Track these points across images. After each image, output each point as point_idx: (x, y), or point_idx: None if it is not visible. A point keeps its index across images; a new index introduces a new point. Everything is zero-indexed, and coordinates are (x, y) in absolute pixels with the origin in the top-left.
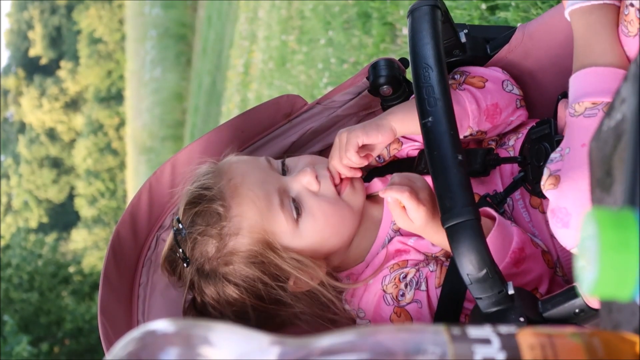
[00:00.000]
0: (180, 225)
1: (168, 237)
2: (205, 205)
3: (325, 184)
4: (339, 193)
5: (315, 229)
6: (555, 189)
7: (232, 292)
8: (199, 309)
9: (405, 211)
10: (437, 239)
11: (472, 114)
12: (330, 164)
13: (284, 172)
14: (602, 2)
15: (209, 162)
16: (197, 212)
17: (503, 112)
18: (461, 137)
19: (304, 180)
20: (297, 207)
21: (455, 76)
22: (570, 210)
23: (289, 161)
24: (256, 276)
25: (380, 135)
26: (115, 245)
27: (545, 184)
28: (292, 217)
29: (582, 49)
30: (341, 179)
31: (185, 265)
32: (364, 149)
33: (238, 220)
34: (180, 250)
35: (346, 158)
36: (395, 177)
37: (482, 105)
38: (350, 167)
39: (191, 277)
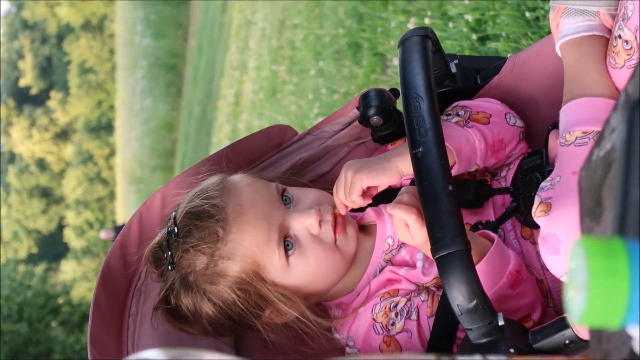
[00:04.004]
0: (176, 229)
1: (159, 233)
2: (207, 221)
3: (326, 229)
4: (335, 235)
5: (305, 270)
6: (546, 216)
7: (208, 309)
8: (171, 309)
9: (408, 228)
10: None
11: (480, 152)
12: (336, 197)
13: (286, 200)
14: (591, 33)
15: (219, 174)
16: (197, 225)
17: (507, 147)
18: (464, 172)
19: (307, 221)
20: (291, 246)
21: (459, 112)
22: (561, 237)
23: (295, 192)
24: (236, 301)
25: (386, 179)
26: (106, 276)
27: (536, 212)
28: (284, 255)
29: (572, 80)
30: (336, 221)
31: (169, 268)
32: (368, 188)
33: (234, 246)
34: (169, 253)
35: (350, 199)
36: (405, 195)
37: (489, 143)
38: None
39: (172, 280)
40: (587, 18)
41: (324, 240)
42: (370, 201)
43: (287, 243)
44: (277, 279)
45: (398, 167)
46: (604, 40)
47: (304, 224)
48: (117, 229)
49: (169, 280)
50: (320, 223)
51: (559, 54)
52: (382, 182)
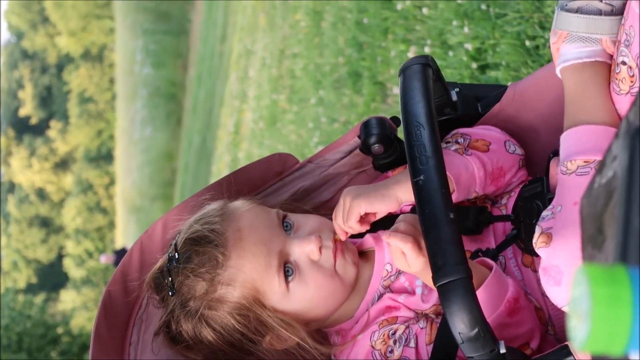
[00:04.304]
0: (177, 255)
1: (161, 259)
2: (207, 247)
3: (326, 255)
4: (335, 261)
5: (305, 296)
6: (547, 247)
7: (208, 334)
8: (171, 334)
9: (405, 256)
10: (431, 282)
11: (479, 180)
12: (335, 223)
13: (286, 227)
14: (593, 59)
15: (221, 200)
16: (197, 251)
17: (507, 174)
18: (464, 199)
19: (307, 247)
20: (291, 272)
21: (459, 140)
22: (562, 269)
23: (296, 218)
24: (236, 327)
25: (384, 206)
26: (107, 304)
27: (537, 242)
28: (284, 281)
29: (573, 106)
30: (336, 247)
31: (170, 293)
32: (366, 214)
33: (234, 271)
34: (170, 279)
35: (347, 225)
36: (401, 223)
37: (488, 170)
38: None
39: (173, 306)
40: (589, 44)
41: (324, 266)
42: (368, 227)
43: (287, 269)
44: (278, 304)
45: (397, 195)
46: (606, 67)
47: (304, 250)
48: (117, 253)
49: (170, 306)
50: (320, 249)
51: (559, 76)
52: (380, 209)
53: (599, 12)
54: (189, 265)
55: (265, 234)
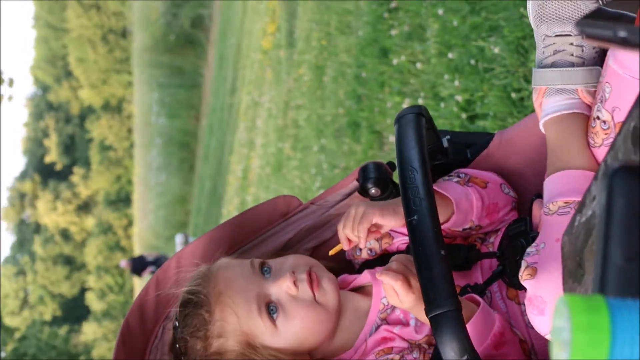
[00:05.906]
0: (176, 323)
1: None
2: (193, 309)
3: (302, 287)
4: (313, 292)
5: (293, 330)
6: (532, 279)
7: None
8: None
9: (397, 293)
10: (423, 317)
11: (476, 209)
12: (341, 232)
13: (266, 272)
14: (571, 111)
15: (202, 265)
16: (187, 314)
17: (501, 212)
18: (460, 229)
19: (283, 285)
20: (275, 310)
21: (460, 175)
22: (546, 299)
23: (275, 262)
24: None
25: (394, 221)
26: (125, 334)
27: (523, 275)
28: (269, 320)
29: (554, 155)
30: (311, 278)
31: (182, 359)
32: (374, 226)
33: (221, 324)
34: (177, 345)
35: (356, 231)
36: (394, 262)
37: (485, 203)
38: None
39: None
40: (567, 96)
41: (303, 299)
42: (367, 243)
43: (272, 308)
44: (271, 343)
45: None
46: (584, 117)
47: (281, 288)
48: (134, 260)
49: None
50: (295, 283)
51: (543, 131)
52: (389, 222)
53: (572, 65)
54: (186, 329)
55: (240, 284)
